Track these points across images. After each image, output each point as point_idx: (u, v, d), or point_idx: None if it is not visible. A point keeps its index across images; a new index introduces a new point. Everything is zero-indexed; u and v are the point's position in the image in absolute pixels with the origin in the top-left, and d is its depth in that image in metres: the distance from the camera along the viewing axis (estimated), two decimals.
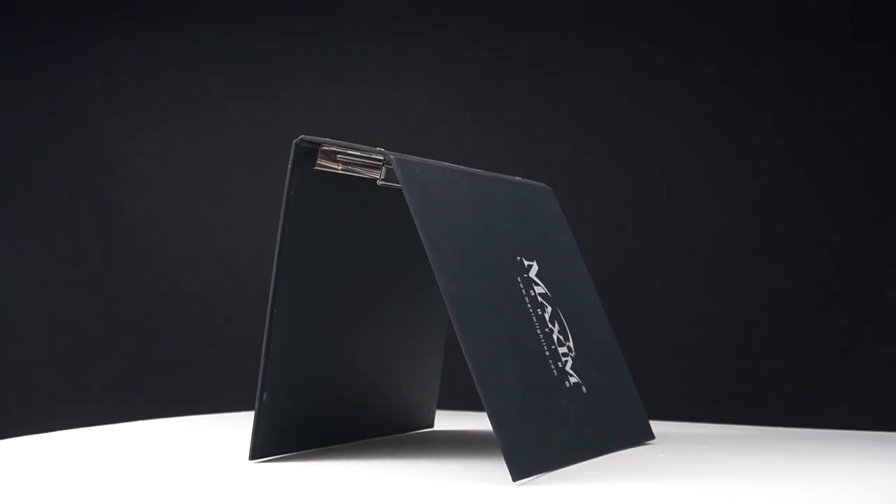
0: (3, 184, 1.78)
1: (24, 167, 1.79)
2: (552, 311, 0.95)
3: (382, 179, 0.89)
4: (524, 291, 0.93)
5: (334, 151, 0.88)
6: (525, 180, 1.04)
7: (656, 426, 1.08)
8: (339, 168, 0.88)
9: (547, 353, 0.92)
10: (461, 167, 0.93)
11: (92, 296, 1.76)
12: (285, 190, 0.86)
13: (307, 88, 1.76)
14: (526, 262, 0.95)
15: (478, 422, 1.20)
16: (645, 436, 1.03)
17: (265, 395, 0.89)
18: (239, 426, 1.12)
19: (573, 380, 0.94)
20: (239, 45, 1.78)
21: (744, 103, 1.69)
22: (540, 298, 0.95)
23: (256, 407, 0.89)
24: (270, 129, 1.74)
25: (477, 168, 0.97)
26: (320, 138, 0.87)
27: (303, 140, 0.87)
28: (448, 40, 1.75)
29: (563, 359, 0.94)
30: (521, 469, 0.81)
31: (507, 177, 1.01)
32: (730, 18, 1.68)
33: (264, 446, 0.90)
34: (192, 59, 1.79)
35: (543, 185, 1.08)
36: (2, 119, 1.79)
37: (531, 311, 0.93)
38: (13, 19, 1.77)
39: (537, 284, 0.95)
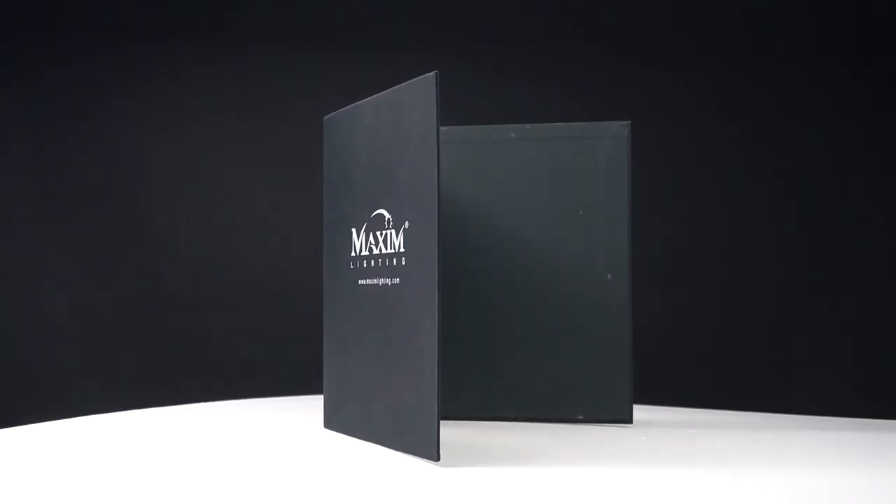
0: (35, 186, 1.87)
1: (57, 170, 1.88)
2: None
3: None
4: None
5: None
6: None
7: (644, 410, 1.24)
8: None
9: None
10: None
11: (119, 292, 1.85)
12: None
13: (321, 97, 1.71)
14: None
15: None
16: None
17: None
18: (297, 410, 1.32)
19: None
20: (255, 58, 1.88)
21: (723, 113, 1.82)
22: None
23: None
24: (283, 133, 1.84)
25: None
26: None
27: None
28: (452, 53, 1.82)
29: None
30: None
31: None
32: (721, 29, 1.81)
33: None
34: (213, 69, 1.89)
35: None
36: (34, 126, 1.88)
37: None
38: (48, 35, 1.88)
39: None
